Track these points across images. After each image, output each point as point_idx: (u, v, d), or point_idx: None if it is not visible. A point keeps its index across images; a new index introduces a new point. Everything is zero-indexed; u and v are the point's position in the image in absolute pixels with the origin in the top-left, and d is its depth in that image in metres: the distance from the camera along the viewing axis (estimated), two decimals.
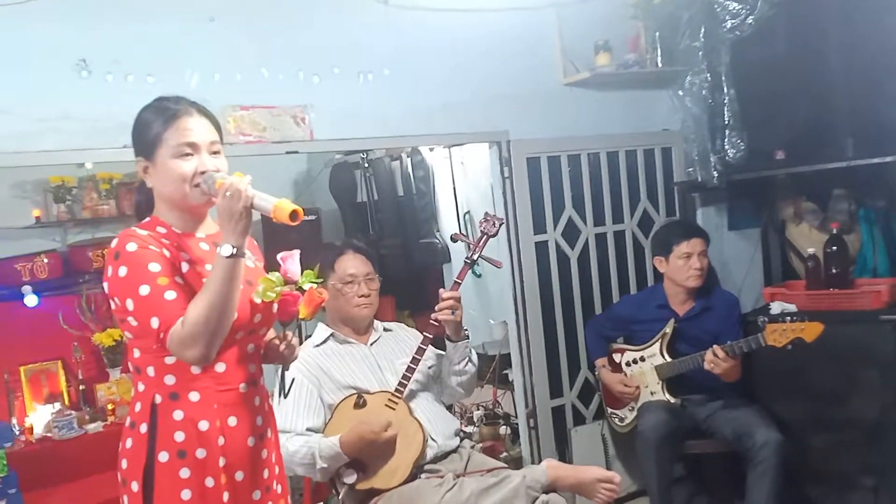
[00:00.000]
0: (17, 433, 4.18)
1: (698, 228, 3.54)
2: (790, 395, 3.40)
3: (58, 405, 4.36)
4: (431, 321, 2.78)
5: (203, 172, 1.80)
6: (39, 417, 4.28)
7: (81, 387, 4.45)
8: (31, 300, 4.33)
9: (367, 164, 4.82)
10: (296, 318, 1.96)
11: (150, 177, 1.85)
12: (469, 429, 3.85)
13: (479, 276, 4.47)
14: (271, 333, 2.04)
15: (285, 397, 2.55)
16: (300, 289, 1.91)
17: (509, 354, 3.82)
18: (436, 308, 2.77)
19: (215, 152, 1.85)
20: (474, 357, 2.93)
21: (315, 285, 1.93)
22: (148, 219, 1.88)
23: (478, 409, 4.01)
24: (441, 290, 2.82)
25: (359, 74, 3.26)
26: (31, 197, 4.56)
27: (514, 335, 3.67)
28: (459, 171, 4.51)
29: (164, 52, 2.87)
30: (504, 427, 3.86)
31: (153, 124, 1.82)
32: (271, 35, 3.09)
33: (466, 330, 2.88)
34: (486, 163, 3.78)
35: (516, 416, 3.81)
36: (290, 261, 1.92)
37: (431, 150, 4.60)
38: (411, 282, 4.55)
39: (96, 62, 2.79)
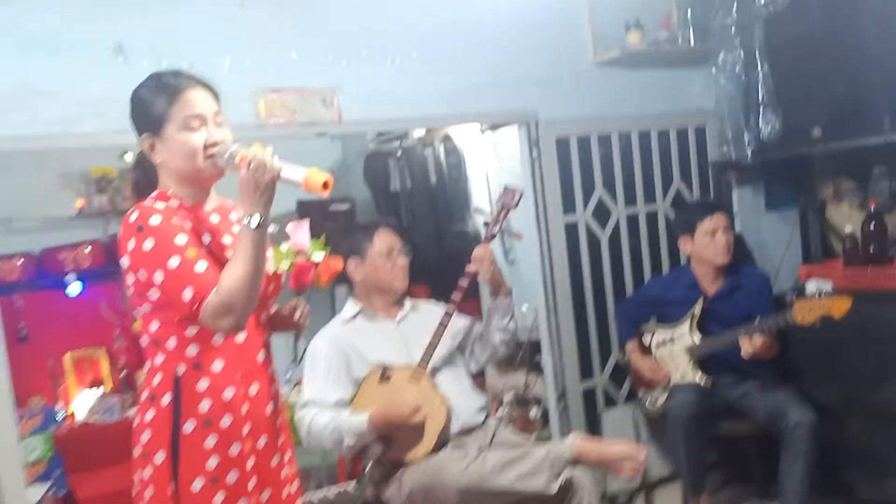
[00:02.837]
0: (62, 417, 4.38)
1: (719, 204, 3.60)
2: (825, 375, 3.42)
3: (101, 390, 4.55)
4: (461, 283, 2.88)
5: (214, 144, 1.86)
6: (83, 402, 4.47)
7: (123, 373, 4.63)
8: (74, 288, 4.53)
9: (400, 153, 4.94)
10: (309, 287, 2.06)
11: (158, 153, 1.90)
12: (499, 411, 3.93)
13: (513, 262, 4.55)
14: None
15: (297, 363, 2.66)
16: (310, 259, 2.01)
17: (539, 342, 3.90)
18: (471, 259, 2.87)
19: (219, 123, 1.90)
20: (516, 314, 3.03)
21: (323, 255, 2.03)
22: (156, 193, 1.92)
23: (509, 392, 4.10)
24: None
25: (387, 57, 3.36)
26: (75, 188, 4.76)
27: (543, 316, 3.75)
28: (492, 156, 4.59)
29: (197, 37, 3.01)
30: (534, 409, 3.94)
31: (157, 100, 1.87)
32: (301, 19, 3.22)
33: (509, 286, 2.97)
34: (518, 148, 3.84)
35: (547, 399, 3.89)
36: (300, 231, 2.02)
37: (464, 136, 4.71)
38: (445, 269, 4.64)
39: (132, 48, 2.93)
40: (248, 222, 1.77)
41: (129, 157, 4.59)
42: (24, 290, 4.44)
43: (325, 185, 1.74)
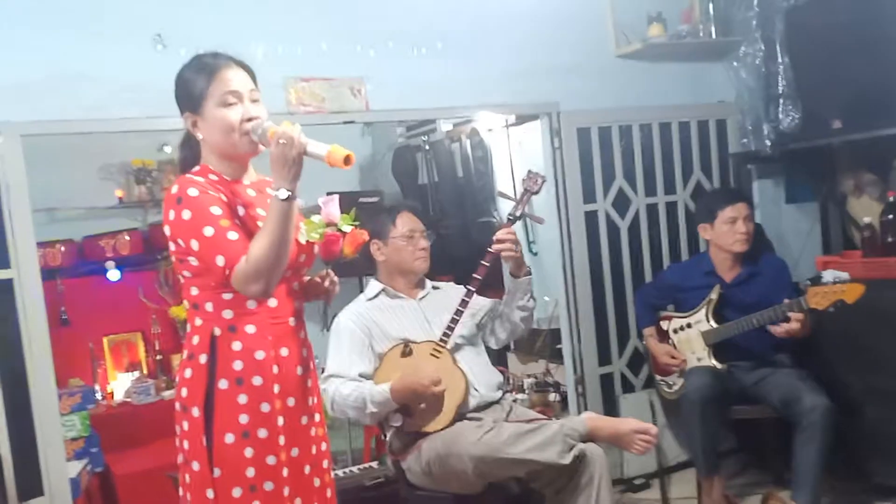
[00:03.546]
0: (100, 398, 4.56)
1: (741, 193, 3.68)
2: (843, 363, 3.48)
3: (137, 373, 4.76)
4: (483, 263, 2.98)
5: (249, 119, 1.98)
6: (120, 384, 4.68)
7: (159, 357, 4.83)
8: (113, 275, 4.75)
9: (427, 147, 5.10)
10: (338, 257, 2.20)
11: (200, 130, 2.04)
12: (519, 396, 4.04)
13: (536, 254, 4.68)
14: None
15: (327, 330, 2.80)
16: (339, 230, 2.12)
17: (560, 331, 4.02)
18: (494, 240, 2.96)
19: (255, 100, 2.03)
20: (535, 293, 3.12)
21: (354, 227, 2.14)
22: (198, 167, 2.06)
23: (529, 378, 4.22)
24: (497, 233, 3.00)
25: (413, 48, 3.52)
26: (115, 178, 4.99)
27: (563, 302, 3.87)
28: (517, 150, 4.73)
29: (232, 27, 3.18)
30: (554, 394, 4.05)
31: (198, 79, 2.01)
32: (330, 10, 3.40)
33: (528, 266, 3.07)
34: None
35: (565, 384, 4.01)
36: (331, 204, 2.14)
37: (490, 130, 4.85)
38: (470, 261, 4.77)
39: (171, 37, 3.12)
40: (277, 194, 1.88)
41: (169, 150, 4.89)
42: (66, 275, 4.65)
43: (347, 161, 1.85)
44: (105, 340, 4.78)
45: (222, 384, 1.99)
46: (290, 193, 1.89)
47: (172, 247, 2.01)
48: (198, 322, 2.04)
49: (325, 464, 2.23)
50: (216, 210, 1.95)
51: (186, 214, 1.94)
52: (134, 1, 3.10)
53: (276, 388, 2.03)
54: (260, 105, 2.05)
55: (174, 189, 1.98)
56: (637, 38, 3.87)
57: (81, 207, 4.86)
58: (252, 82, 2.07)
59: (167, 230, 2.00)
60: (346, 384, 2.90)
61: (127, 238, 4.81)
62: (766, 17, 3.74)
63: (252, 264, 1.89)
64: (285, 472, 2.05)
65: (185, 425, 2.04)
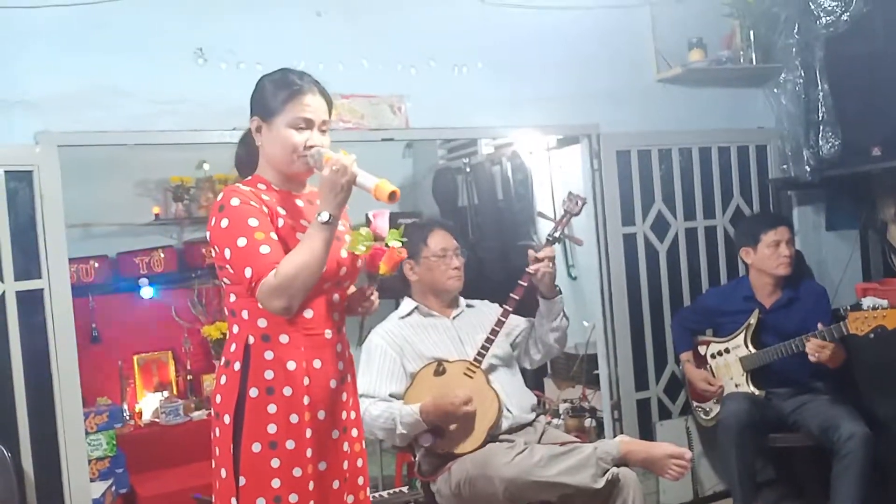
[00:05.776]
0: (128, 417, 4.63)
1: (784, 217, 3.77)
2: (882, 391, 3.50)
3: (166, 393, 4.83)
4: (521, 283, 3.06)
5: (311, 147, 2.08)
6: (149, 404, 4.76)
7: (189, 377, 4.91)
8: (147, 292, 4.86)
9: (468, 169, 5.20)
10: (375, 273, 2.25)
11: (262, 137, 2.15)
12: (555, 421, 4.08)
13: (575, 278, 4.74)
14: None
15: (360, 345, 2.84)
16: (387, 245, 2.17)
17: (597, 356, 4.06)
18: (530, 262, 3.04)
19: (324, 130, 2.14)
20: (573, 316, 3.20)
21: (399, 244, 2.20)
22: (250, 178, 2.18)
23: (564, 403, 4.26)
24: (531, 252, 3.08)
25: (454, 67, 3.65)
26: (152, 195, 5.15)
27: (600, 325, 3.94)
28: (558, 174, 4.82)
29: (274, 42, 3.32)
30: (589, 419, 4.08)
31: (279, 93, 2.10)
32: (372, 29, 3.52)
33: (559, 287, 3.14)
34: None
35: (602, 410, 4.05)
36: (381, 218, 2.21)
37: (531, 153, 4.94)
38: (509, 284, 4.84)
39: (212, 51, 3.26)
40: (319, 217, 1.98)
41: (207, 167, 5.03)
42: (98, 292, 4.76)
43: (392, 196, 1.97)
44: (135, 359, 4.86)
45: (253, 392, 2.07)
46: (331, 217, 1.98)
47: (213, 253, 2.11)
48: (235, 329, 2.13)
49: (361, 481, 2.28)
50: (253, 222, 2.03)
51: (224, 223, 2.05)
52: (176, 15, 3.23)
53: (305, 400, 2.09)
54: (326, 136, 2.16)
55: (220, 196, 2.09)
56: (678, 63, 3.98)
57: (116, 223, 5.01)
58: (327, 113, 2.18)
59: (208, 236, 2.11)
60: (375, 404, 2.95)
61: (162, 255, 4.93)
62: (807, 45, 3.83)
63: (279, 279, 1.96)
64: (311, 485, 2.10)
65: (217, 431, 2.12)
